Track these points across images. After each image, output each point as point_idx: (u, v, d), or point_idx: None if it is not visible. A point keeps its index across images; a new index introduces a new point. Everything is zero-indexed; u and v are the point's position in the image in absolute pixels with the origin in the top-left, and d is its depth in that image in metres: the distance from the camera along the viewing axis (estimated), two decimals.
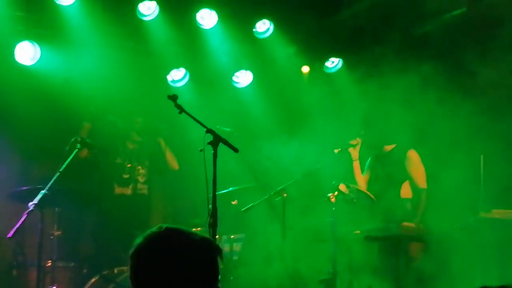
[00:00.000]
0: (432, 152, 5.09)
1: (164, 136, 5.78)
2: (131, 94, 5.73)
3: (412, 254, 4.82)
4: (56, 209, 4.78)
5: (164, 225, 1.80)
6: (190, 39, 5.92)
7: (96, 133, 5.51)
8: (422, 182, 4.94)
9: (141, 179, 5.74)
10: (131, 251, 1.77)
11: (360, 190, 4.74)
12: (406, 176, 4.98)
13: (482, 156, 4.59)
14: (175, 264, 1.71)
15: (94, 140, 5.10)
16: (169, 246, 1.74)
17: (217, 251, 1.79)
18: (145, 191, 5.78)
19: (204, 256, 1.75)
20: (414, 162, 4.97)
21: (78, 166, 4.83)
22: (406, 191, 5.00)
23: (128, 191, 5.68)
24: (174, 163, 5.88)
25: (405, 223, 4.73)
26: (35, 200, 4.21)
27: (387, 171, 5.05)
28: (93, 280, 4.81)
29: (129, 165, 5.68)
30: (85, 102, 5.51)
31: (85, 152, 5.21)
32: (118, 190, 5.67)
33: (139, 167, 5.74)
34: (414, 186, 4.96)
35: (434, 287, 4.59)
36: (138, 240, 1.78)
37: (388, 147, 5.14)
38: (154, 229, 1.80)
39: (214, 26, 5.83)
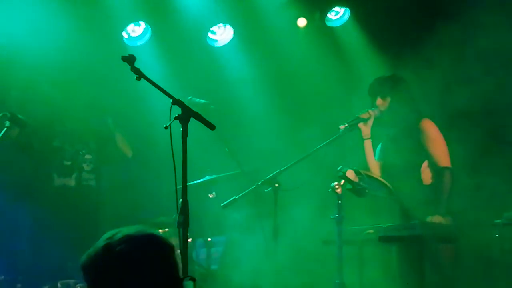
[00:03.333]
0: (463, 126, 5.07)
1: (113, 113, 5.75)
2: (72, 56, 5.66)
3: (440, 259, 4.80)
4: None
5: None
6: None
7: (26, 106, 5.42)
8: (443, 160, 4.90)
9: (86, 167, 5.74)
10: (86, 261, 1.96)
11: (373, 177, 4.71)
12: (424, 155, 4.96)
13: None
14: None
15: (25, 115, 5.02)
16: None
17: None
18: (92, 182, 5.78)
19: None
20: (431, 134, 4.94)
21: (6, 150, 4.78)
22: (427, 175, 4.99)
23: (71, 182, 5.67)
24: (125, 149, 5.88)
25: (431, 218, 4.73)
26: None
27: (403, 151, 5.01)
28: None
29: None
30: (12, 66, 5.42)
31: (15, 132, 5.13)
32: (58, 181, 5.65)
33: (84, 151, 5.74)
34: (434, 166, 4.93)
35: None
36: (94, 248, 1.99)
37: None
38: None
39: None
